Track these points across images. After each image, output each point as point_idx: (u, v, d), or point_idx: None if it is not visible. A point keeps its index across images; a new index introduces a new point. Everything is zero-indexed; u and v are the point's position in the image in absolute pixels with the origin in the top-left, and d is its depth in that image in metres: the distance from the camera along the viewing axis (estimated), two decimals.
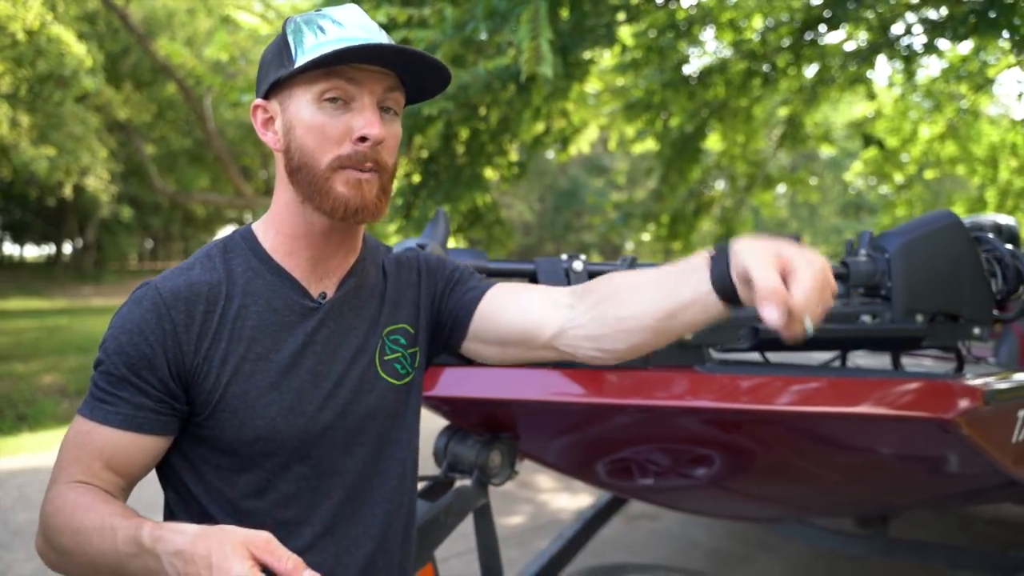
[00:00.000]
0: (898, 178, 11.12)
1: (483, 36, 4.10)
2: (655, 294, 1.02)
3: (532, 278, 1.75)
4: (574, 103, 7.28)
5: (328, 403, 1.11)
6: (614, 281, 1.09)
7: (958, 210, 11.23)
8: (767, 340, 1.77)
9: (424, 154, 6.36)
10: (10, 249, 33.00)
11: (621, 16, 5.56)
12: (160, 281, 1.07)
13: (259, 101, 1.09)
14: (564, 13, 4.75)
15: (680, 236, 9.39)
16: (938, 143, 10.27)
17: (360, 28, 1.04)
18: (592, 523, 2.94)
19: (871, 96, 7.51)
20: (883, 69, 38.38)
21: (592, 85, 8.21)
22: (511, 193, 29.96)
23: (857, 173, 12.27)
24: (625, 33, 6.81)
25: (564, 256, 1.74)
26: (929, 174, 11.60)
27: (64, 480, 1.02)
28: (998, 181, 10.36)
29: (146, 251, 38.99)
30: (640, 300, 1.03)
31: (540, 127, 6.88)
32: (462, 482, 1.85)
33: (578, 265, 1.71)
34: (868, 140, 8.27)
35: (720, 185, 10.82)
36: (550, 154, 10.87)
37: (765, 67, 7.22)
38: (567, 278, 1.71)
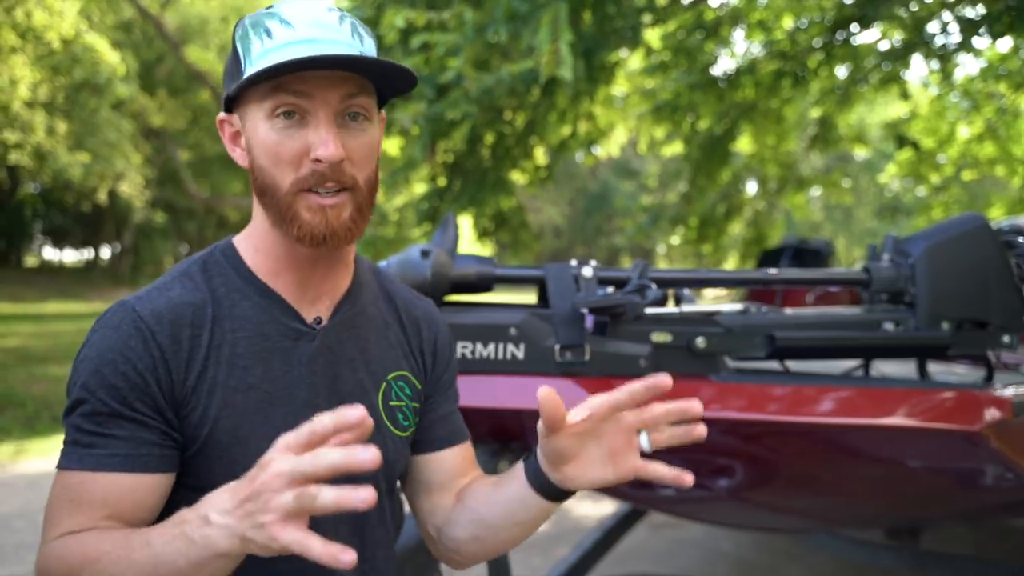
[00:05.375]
0: (934, 179, 10.91)
1: (503, 39, 4.07)
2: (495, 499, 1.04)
3: (540, 285, 1.71)
4: (600, 106, 7.23)
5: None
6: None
7: (997, 212, 10.98)
8: (785, 348, 1.72)
9: (449, 158, 6.36)
10: (50, 254, 33.74)
11: (647, 18, 5.50)
12: (137, 302, 0.95)
13: (223, 116, 1.00)
14: (586, 16, 4.71)
15: (710, 239, 9.30)
16: (976, 144, 10.06)
17: (313, 26, 0.91)
18: (613, 532, 2.89)
19: (904, 96, 7.35)
20: (919, 68, 37.72)
21: (620, 87, 8.16)
22: (541, 197, 29.93)
23: (892, 175, 12.05)
24: (653, 35, 6.75)
25: (574, 262, 1.70)
26: (967, 175, 11.36)
27: (55, 535, 0.89)
28: None
29: (181, 255, 39.58)
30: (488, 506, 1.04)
31: (566, 130, 6.84)
32: None
33: (588, 271, 1.67)
34: (902, 141, 8.11)
35: (751, 188, 10.69)
36: (580, 157, 10.82)
37: (795, 67, 7.11)
38: (576, 284, 1.67)
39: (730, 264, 10.65)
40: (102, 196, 14.54)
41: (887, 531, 3.05)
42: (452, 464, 1.12)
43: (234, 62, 0.95)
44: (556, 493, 0.96)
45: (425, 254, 1.62)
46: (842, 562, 3.95)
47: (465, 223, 7.28)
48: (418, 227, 6.84)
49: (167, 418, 0.92)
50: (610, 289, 1.71)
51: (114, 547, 0.83)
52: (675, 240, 10.83)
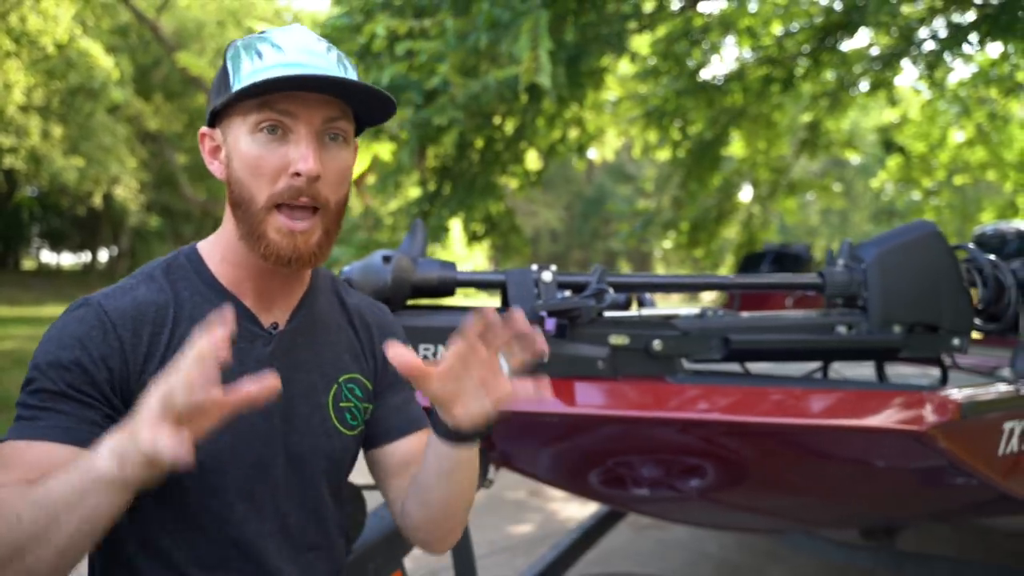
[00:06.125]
0: (927, 184, 10.95)
1: (483, 47, 4.12)
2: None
3: (502, 289, 1.75)
4: (589, 111, 7.28)
5: (274, 439, 1.05)
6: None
7: (988, 216, 11.03)
8: (741, 351, 1.76)
9: (438, 163, 6.41)
10: (48, 257, 33.75)
11: (632, 25, 5.55)
12: (102, 299, 0.99)
13: (205, 129, 1.04)
14: (568, 23, 4.76)
15: (701, 243, 9.34)
16: (967, 148, 10.10)
17: (301, 52, 0.97)
18: (591, 532, 2.92)
19: (892, 102, 7.40)
20: (911, 74, 37.83)
21: (612, 92, 8.22)
22: (538, 201, 29.96)
23: (883, 180, 12.10)
24: (642, 41, 6.81)
25: (534, 267, 1.74)
26: (959, 180, 11.41)
27: None
28: None
29: None
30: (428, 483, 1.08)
31: (555, 135, 6.89)
32: None
33: (547, 276, 1.71)
34: (889, 146, 8.17)
35: (744, 192, 10.74)
36: (577, 161, 10.87)
37: (783, 73, 7.17)
38: (536, 289, 1.71)
39: (724, 268, 10.69)
40: (97, 200, 14.58)
41: (861, 531, 3.09)
42: (408, 449, 1.17)
43: (223, 79, 0.99)
44: (455, 435, 1.00)
45: (387, 259, 1.67)
46: (825, 564, 3.99)
47: (456, 227, 7.33)
48: (407, 232, 6.88)
49: (114, 404, 0.95)
50: (567, 293, 1.75)
51: (16, 491, 0.83)
52: (667, 244, 10.88)
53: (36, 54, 10.01)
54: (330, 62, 0.99)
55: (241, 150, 0.97)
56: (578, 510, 5.00)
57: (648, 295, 2.47)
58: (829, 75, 7.78)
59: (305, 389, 1.09)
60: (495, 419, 0.97)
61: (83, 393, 0.93)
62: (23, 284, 24.21)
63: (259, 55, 0.96)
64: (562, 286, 1.75)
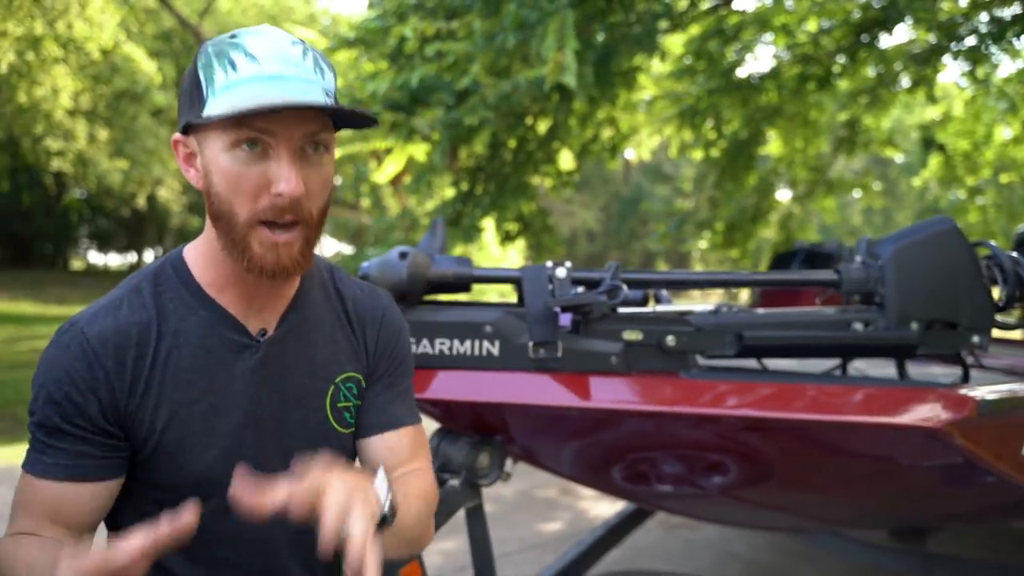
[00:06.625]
0: (970, 182, 10.71)
1: (510, 47, 4.14)
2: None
3: (517, 285, 1.78)
4: (623, 111, 7.27)
5: (270, 446, 1.06)
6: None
7: None
8: (755, 347, 1.77)
9: (471, 163, 6.45)
10: (95, 258, 34.61)
11: (664, 24, 5.54)
12: (86, 324, 1.00)
13: (178, 136, 1.00)
14: (596, 24, 4.77)
15: (737, 243, 9.26)
16: (1014, 145, 9.87)
17: (276, 61, 0.92)
18: (617, 530, 2.92)
19: (932, 99, 7.26)
20: (954, 70, 36.94)
21: (648, 91, 8.19)
22: (574, 201, 29.90)
23: (925, 178, 11.87)
24: (675, 40, 6.78)
25: (549, 263, 1.77)
26: (1005, 178, 11.14)
27: (11, 532, 0.98)
28: None
29: None
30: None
31: (588, 134, 6.89)
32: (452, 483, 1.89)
33: (561, 272, 1.73)
34: (928, 144, 8.01)
35: (782, 192, 10.61)
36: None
37: (820, 71, 7.08)
38: (551, 285, 1.73)
39: (762, 268, 10.58)
40: (141, 201, 14.97)
41: (891, 533, 3.06)
42: (380, 447, 1.15)
43: (194, 87, 0.96)
44: None
45: (403, 256, 1.70)
46: (855, 565, 3.95)
47: (490, 227, 7.37)
48: None
49: (109, 431, 0.99)
50: (580, 289, 1.77)
51: (27, 566, 0.91)
52: (703, 244, 10.81)
53: (82, 60, 10.32)
54: (306, 69, 0.94)
55: (220, 165, 0.94)
56: (608, 508, 5.00)
57: (665, 293, 2.48)
58: (868, 72, 7.66)
59: (300, 394, 1.09)
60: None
61: (76, 426, 0.97)
62: (72, 283, 24.85)
63: (232, 66, 0.92)
64: (576, 282, 1.77)
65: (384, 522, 0.89)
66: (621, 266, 1.78)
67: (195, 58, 0.97)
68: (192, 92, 0.96)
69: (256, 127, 0.92)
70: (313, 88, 0.94)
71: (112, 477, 1.01)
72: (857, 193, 13.64)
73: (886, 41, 6.96)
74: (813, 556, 4.09)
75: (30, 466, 0.99)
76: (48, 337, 1.03)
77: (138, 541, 0.75)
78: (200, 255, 1.06)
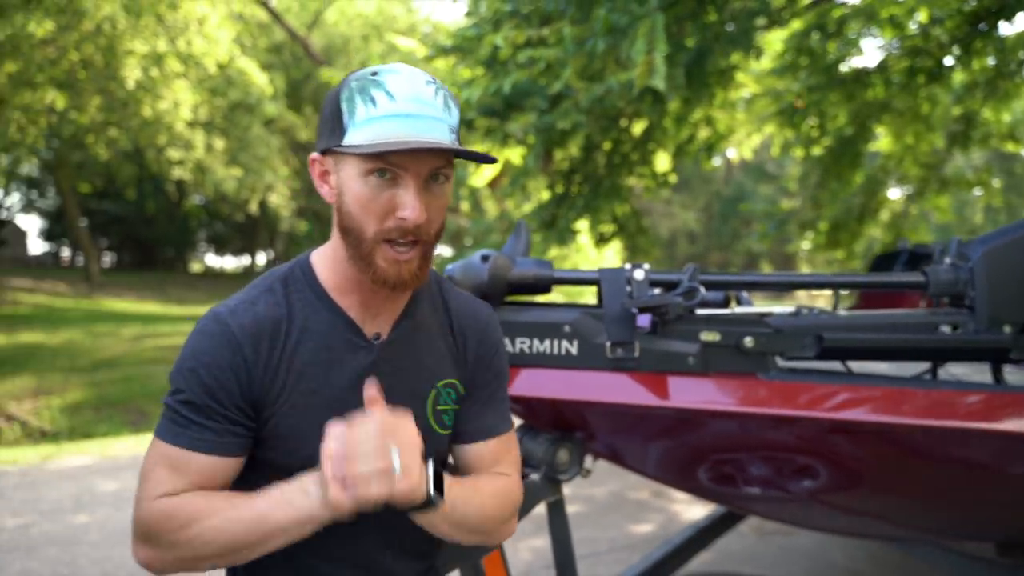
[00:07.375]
0: None
1: (600, 52, 4.16)
2: None
3: (597, 287, 1.82)
4: (720, 110, 7.15)
5: None
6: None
7: None
8: (834, 349, 1.75)
9: (565, 165, 6.50)
10: (212, 260, 36.51)
11: (761, 21, 5.43)
12: (228, 315, 1.13)
13: (316, 156, 1.13)
14: (688, 25, 4.72)
15: (842, 244, 8.95)
16: None
17: (412, 101, 1.04)
18: (706, 532, 2.90)
19: None
20: None
21: (748, 89, 8.02)
22: (675, 202, 29.46)
23: None
24: (775, 37, 6.62)
25: (627, 265, 1.80)
26: None
27: (157, 495, 1.09)
28: None
29: None
30: None
31: (684, 135, 6.82)
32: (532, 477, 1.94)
33: (639, 274, 1.77)
34: None
35: (892, 190, 10.16)
36: (716, 161, 10.67)
37: (930, 63, 6.77)
38: (629, 287, 1.77)
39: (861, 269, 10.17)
40: (254, 207, 15.75)
41: (998, 547, 2.92)
42: (474, 455, 1.27)
43: (335, 116, 1.07)
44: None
45: (485, 259, 1.78)
46: None
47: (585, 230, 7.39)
48: (537, 233, 7.01)
49: (246, 413, 1.12)
50: (658, 291, 1.79)
51: (221, 506, 1.05)
52: (806, 245, 10.48)
53: (201, 74, 10.99)
54: (436, 108, 1.06)
55: (354, 188, 1.06)
56: (701, 512, 4.95)
57: (745, 294, 2.46)
58: (986, 62, 7.26)
59: (406, 395, 1.19)
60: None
61: (222, 405, 1.10)
62: (191, 285, 26.36)
63: (372, 102, 1.04)
64: (654, 284, 1.81)
65: (430, 503, 1.04)
66: (700, 268, 1.80)
67: (337, 90, 1.09)
68: (333, 120, 1.08)
69: (390, 161, 1.04)
70: (442, 126, 1.06)
71: (243, 454, 1.14)
72: (978, 191, 12.90)
73: (1005, 29, 6.60)
74: (914, 568, 3.94)
75: (173, 437, 1.10)
76: (170, 335, 1.17)
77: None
78: (326, 261, 1.19)
